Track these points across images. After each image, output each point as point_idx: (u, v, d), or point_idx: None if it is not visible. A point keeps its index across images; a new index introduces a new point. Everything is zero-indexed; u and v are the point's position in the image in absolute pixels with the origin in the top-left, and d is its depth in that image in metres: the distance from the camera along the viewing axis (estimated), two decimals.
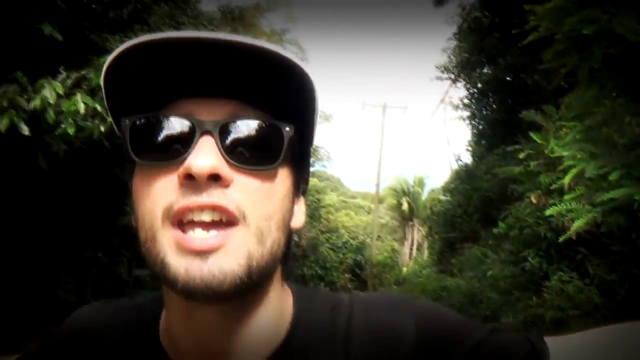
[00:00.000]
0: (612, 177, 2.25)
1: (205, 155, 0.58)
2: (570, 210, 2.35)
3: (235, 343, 0.68)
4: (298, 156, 0.70)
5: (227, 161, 0.60)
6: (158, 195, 0.61)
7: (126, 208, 10.79)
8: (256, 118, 0.64)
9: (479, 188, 11.50)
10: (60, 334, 0.81)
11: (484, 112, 14.67)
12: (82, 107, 4.90)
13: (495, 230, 8.04)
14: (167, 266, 0.59)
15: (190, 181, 0.58)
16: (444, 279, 11.73)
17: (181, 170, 0.58)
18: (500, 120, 12.90)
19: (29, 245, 9.40)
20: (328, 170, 34.65)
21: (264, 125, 0.64)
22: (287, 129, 0.64)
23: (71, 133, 5.10)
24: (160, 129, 0.62)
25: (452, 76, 16.67)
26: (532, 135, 6.79)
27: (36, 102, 4.61)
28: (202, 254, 0.58)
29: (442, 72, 17.42)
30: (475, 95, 15.06)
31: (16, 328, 8.10)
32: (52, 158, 6.69)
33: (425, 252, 24.24)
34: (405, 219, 31.99)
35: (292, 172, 0.69)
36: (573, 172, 2.39)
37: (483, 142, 14.61)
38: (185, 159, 0.58)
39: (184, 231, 0.59)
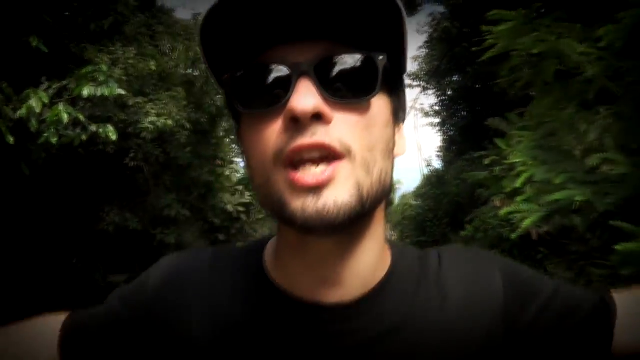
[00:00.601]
0: (557, 180, 2.53)
1: (305, 96, 0.60)
2: (520, 211, 2.63)
3: (347, 271, 0.71)
4: (393, 85, 0.71)
5: (326, 99, 0.62)
6: (267, 141, 0.64)
7: (101, 214, 10.83)
8: (348, 53, 0.64)
9: (448, 193, 11.76)
10: (156, 278, 0.81)
11: (454, 119, 14.98)
12: (65, 117, 5.04)
13: (462, 233, 8.33)
14: (284, 205, 0.63)
15: (295, 123, 0.62)
16: None
17: (285, 113, 0.62)
18: (470, 126, 13.16)
19: (2, 251, 9.35)
20: None
21: (356, 58, 0.64)
22: (380, 58, 0.65)
23: (54, 142, 5.23)
24: (259, 77, 0.64)
25: (423, 84, 17.01)
26: (497, 141, 7.09)
27: (22, 111, 4.74)
28: (315, 189, 0.61)
29: (413, 79, 17.76)
30: (445, 103, 15.39)
31: None
32: (30, 165, 6.77)
33: None
34: None
35: (389, 100, 0.70)
36: (524, 176, 2.67)
37: (453, 148, 14.90)
38: (287, 102, 0.62)
39: (295, 169, 0.63)
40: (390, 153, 0.70)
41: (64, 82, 5.90)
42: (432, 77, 15.57)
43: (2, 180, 7.77)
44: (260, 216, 16.79)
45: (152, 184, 11.52)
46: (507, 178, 5.14)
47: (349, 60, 0.64)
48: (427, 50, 16.57)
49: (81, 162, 9.51)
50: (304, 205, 0.61)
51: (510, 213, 2.78)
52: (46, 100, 4.95)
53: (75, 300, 10.82)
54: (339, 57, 0.64)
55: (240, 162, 19.31)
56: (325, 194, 0.61)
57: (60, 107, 5.11)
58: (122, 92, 6.04)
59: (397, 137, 0.74)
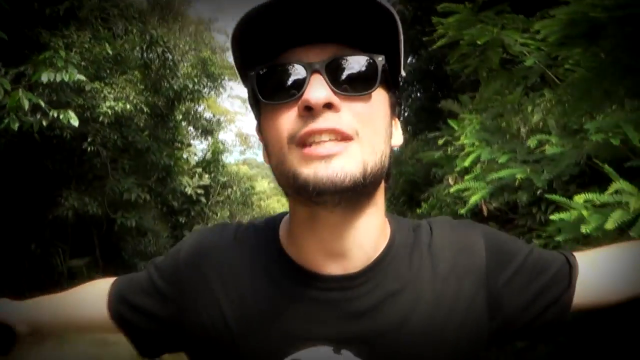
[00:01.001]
0: (501, 160, 2.79)
1: (318, 89, 0.71)
2: (469, 188, 2.88)
3: (352, 244, 0.81)
4: (391, 82, 0.81)
5: (335, 92, 0.72)
6: (283, 126, 0.75)
7: (58, 199, 10.72)
8: (354, 54, 0.75)
9: (404, 172, 11.90)
10: (186, 251, 0.92)
11: (409, 100, 15.21)
12: (26, 103, 5.04)
13: (418, 211, 8.60)
14: (298, 175, 0.73)
15: (308, 112, 0.72)
16: None
17: (300, 103, 0.72)
18: (424, 108, 13.39)
19: None
20: (259, 158, 34.60)
21: (360, 59, 0.75)
22: (380, 58, 0.75)
23: (15, 128, 5.22)
24: (279, 74, 0.75)
25: None
26: (450, 122, 7.28)
27: None
28: (326, 158, 0.71)
29: None
30: (401, 84, 15.57)
31: None
32: None
33: None
34: None
35: (388, 95, 0.81)
36: (471, 157, 2.93)
37: (408, 128, 15.13)
38: (302, 95, 0.72)
39: (307, 147, 0.73)
40: (389, 140, 0.81)
41: (21, 68, 5.87)
42: None
43: None
44: (220, 198, 16.82)
45: (110, 168, 11.44)
46: (459, 157, 5.39)
47: (354, 61, 0.75)
48: None
49: (37, 147, 9.40)
50: (316, 170, 0.71)
51: (460, 190, 3.03)
52: (8, 87, 4.95)
53: (35, 286, 10.72)
54: (346, 58, 0.74)
55: (197, 145, 19.22)
56: (334, 162, 0.71)
57: (20, 93, 5.10)
58: (82, 77, 6.03)
59: (393, 129, 0.84)
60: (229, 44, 0.79)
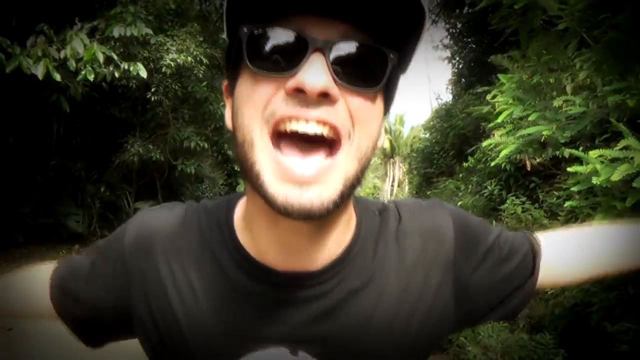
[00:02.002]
0: (531, 117, 3.03)
1: (317, 74, 0.60)
2: (501, 143, 3.14)
3: (315, 246, 0.73)
4: (392, 81, 0.69)
5: (335, 80, 0.61)
6: (263, 100, 0.63)
7: (124, 145, 11.42)
8: (364, 41, 0.64)
9: (455, 126, 11.97)
10: (130, 235, 0.82)
11: (462, 53, 15.03)
12: (101, 56, 5.50)
13: (465, 165, 8.79)
14: (265, 187, 0.63)
15: (299, 94, 0.61)
16: None
17: (292, 83, 0.61)
18: (478, 60, 13.27)
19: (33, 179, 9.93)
20: None
21: (371, 49, 0.64)
22: (392, 55, 0.65)
23: (91, 79, 5.70)
24: (275, 41, 0.63)
25: (433, 17, 16.92)
26: (500, 77, 7.35)
27: (68, 52, 5.20)
28: (302, 184, 0.62)
29: None
30: (455, 36, 15.38)
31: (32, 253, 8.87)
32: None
33: (406, 188, 25.03)
34: (387, 156, 32.61)
35: (385, 94, 0.70)
36: (505, 114, 3.19)
37: (462, 81, 14.99)
38: (296, 73, 0.61)
39: (282, 146, 0.64)
40: (377, 144, 0.71)
41: (95, 23, 6.33)
42: (442, 10, 15.45)
43: (32, 114, 8.20)
44: None
45: (171, 117, 12.02)
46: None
47: (363, 49, 0.64)
48: None
49: (105, 96, 10.00)
50: (287, 196, 0.62)
51: (493, 144, 3.30)
52: (87, 42, 5.40)
53: (104, 224, 11.55)
54: (355, 43, 0.63)
55: None
56: (311, 190, 0.62)
57: (95, 46, 5.55)
58: (149, 31, 6.44)
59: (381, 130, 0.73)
60: None
